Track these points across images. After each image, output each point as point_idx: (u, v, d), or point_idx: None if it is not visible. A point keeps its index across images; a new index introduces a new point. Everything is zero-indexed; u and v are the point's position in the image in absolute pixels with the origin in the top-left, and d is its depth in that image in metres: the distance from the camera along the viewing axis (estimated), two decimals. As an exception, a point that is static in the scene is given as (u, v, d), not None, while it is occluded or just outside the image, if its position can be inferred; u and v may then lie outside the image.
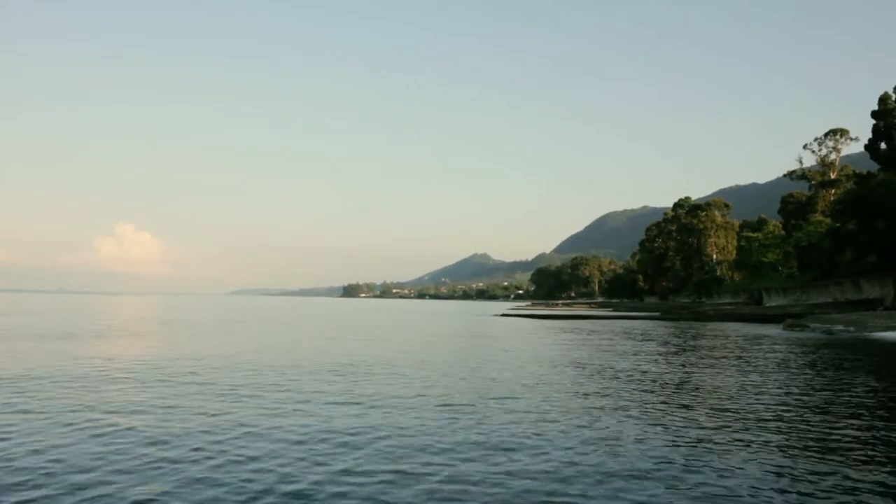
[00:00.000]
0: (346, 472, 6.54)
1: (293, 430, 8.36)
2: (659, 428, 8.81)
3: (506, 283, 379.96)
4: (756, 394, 12.03)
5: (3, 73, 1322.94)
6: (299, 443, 7.68)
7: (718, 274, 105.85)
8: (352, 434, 8.17)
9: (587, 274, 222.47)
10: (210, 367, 15.37)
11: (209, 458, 6.99)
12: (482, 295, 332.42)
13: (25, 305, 71.67)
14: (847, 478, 6.53)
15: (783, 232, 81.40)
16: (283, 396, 11.07)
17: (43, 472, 6.40)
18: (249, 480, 6.22)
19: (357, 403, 10.51)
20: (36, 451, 7.14)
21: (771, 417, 9.67)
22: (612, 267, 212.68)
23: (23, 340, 22.71)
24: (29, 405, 9.90)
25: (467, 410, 10.00)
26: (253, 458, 6.98)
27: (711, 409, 10.45)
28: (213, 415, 9.37)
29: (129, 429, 8.30)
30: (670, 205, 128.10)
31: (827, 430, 8.78)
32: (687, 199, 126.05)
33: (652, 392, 12.21)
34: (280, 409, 9.89)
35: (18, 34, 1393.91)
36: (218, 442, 7.68)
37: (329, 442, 7.75)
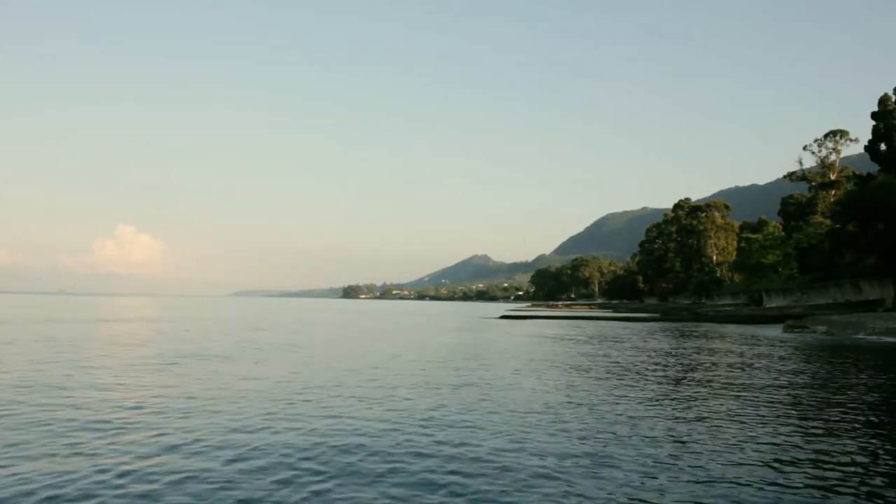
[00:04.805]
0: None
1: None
2: (653, 429, 8.82)
3: (506, 285, 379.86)
4: (755, 395, 12.04)
5: (2, 73, 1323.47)
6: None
7: (718, 275, 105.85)
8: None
9: (587, 275, 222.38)
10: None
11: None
12: (482, 296, 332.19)
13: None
14: (846, 479, 6.55)
15: (783, 233, 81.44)
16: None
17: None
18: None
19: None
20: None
21: (770, 419, 9.68)
22: (613, 268, 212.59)
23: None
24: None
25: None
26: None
27: (709, 410, 10.46)
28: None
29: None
30: (670, 206, 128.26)
31: (826, 431, 8.79)
32: (687, 200, 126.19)
33: (651, 392, 12.22)
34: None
35: (18, 34, 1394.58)
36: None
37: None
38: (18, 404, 10.20)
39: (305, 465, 6.94)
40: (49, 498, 5.79)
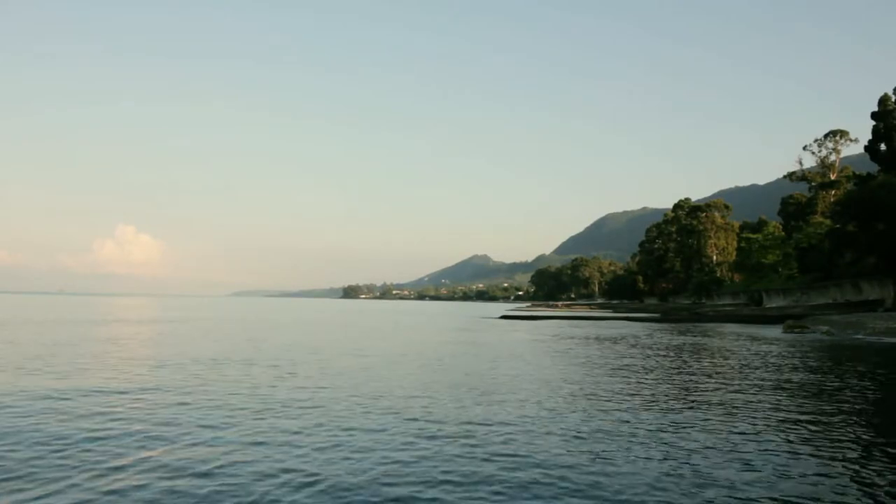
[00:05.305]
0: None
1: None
2: (653, 430, 8.78)
3: (506, 285, 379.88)
4: (754, 395, 11.98)
5: (2, 73, 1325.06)
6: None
7: (718, 275, 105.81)
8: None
9: (587, 275, 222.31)
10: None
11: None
12: (482, 296, 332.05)
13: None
14: (844, 479, 6.50)
15: (783, 233, 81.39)
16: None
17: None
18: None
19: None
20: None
21: (770, 419, 9.63)
22: (613, 268, 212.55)
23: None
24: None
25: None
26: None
27: (708, 411, 10.41)
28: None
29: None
30: (670, 206, 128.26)
31: (825, 432, 8.74)
32: (687, 200, 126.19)
33: (650, 393, 12.17)
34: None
35: (18, 34, 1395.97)
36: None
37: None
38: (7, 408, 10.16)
39: (297, 470, 6.89)
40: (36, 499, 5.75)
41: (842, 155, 79.81)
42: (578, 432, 8.60)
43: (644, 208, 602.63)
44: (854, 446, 8.00)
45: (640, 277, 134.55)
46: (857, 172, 62.19)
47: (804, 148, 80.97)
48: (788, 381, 14.34)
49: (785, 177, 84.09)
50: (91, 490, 5.98)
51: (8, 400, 10.55)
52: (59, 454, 7.19)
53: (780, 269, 77.04)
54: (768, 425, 9.21)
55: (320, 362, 17.34)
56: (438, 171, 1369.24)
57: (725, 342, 27.69)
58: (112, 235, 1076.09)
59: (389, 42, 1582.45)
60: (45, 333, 27.60)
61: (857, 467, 7.03)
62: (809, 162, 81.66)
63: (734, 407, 10.79)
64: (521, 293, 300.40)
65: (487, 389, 12.57)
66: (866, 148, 55.91)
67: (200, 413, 9.65)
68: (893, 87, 53.83)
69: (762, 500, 5.91)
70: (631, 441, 8.13)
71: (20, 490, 5.97)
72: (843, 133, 78.12)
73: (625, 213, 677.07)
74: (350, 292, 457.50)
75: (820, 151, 79.89)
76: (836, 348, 24.09)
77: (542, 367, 16.93)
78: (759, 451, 7.67)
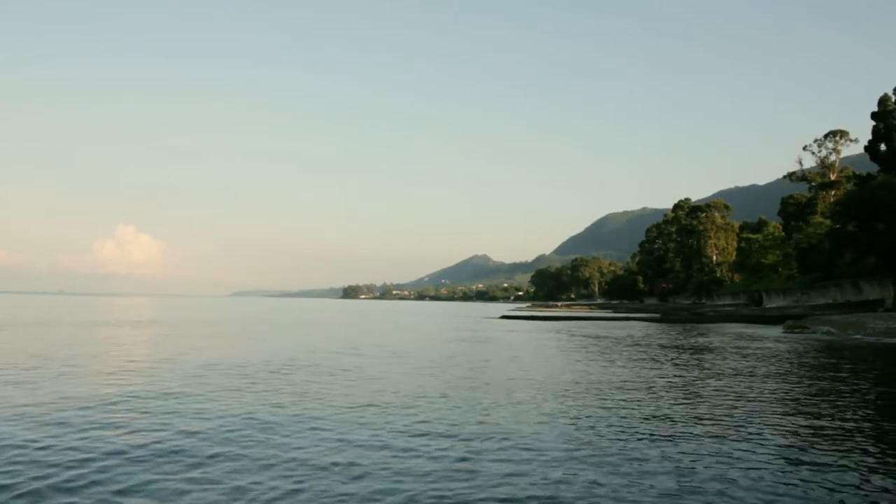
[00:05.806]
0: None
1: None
2: (652, 431, 8.76)
3: (506, 285, 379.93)
4: (753, 395, 11.97)
5: (2, 73, 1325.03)
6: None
7: (718, 275, 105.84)
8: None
9: (587, 275, 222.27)
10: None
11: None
12: (482, 296, 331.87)
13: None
14: (844, 480, 6.48)
15: (783, 233, 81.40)
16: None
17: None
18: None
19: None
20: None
21: (769, 420, 9.62)
22: (613, 268, 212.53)
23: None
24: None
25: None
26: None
27: (708, 411, 10.39)
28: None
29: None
30: (670, 206, 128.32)
31: (825, 433, 8.72)
32: (687, 200, 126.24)
33: (649, 393, 12.16)
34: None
35: (18, 34, 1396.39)
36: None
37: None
38: None
39: (287, 476, 6.87)
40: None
41: (842, 155, 79.88)
42: (576, 433, 8.59)
43: (644, 208, 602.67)
44: (853, 447, 7.98)
45: (640, 277, 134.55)
46: (857, 172, 62.20)
47: (804, 148, 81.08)
48: (788, 381, 14.33)
49: (785, 177, 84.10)
50: (85, 492, 5.97)
51: (5, 402, 10.53)
52: (49, 457, 7.18)
53: (780, 270, 77.03)
54: (768, 426, 9.18)
55: (319, 363, 17.32)
56: (438, 171, 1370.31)
57: (725, 342, 27.66)
58: (112, 235, 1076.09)
59: (389, 42, 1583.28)
60: (45, 334, 27.58)
61: (856, 468, 7.01)
62: (809, 162, 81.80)
63: (734, 407, 10.77)
64: (521, 293, 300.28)
65: (486, 390, 12.55)
66: (866, 148, 55.91)
67: (194, 413, 9.63)
68: (893, 87, 53.88)
69: (762, 500, 5.89)
70: (630, 442, 8.11)
71: (15, 494, 5.95)
72: (843, 133, 78.12)
73: (625, 213, 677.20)
74: (350, 292, 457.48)
75: (820, 151, 79.95)
76: (836, 348, 24.07)
77: (541, 367, 16.90)
78: (759, 451, 7.65)
